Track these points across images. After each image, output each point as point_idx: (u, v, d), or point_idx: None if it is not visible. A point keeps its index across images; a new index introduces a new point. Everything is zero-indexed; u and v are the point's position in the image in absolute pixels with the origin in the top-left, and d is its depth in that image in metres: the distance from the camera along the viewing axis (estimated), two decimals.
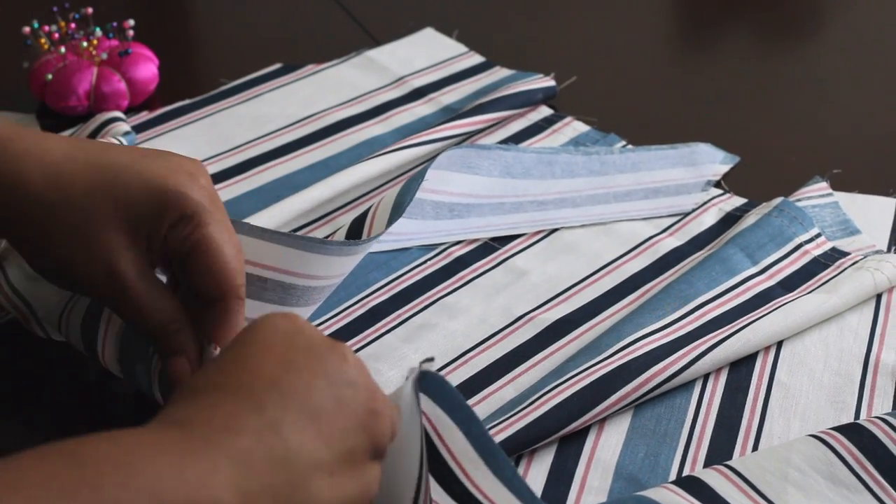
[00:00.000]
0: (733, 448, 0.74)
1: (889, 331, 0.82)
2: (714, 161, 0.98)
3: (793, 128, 1.06)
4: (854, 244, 0.89)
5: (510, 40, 1.18)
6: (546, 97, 1.06)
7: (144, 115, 1.05)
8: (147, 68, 1.05)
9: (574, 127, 1.03)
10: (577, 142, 1.01)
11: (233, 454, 0.50)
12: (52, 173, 0.67)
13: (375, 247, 0.88)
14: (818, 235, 0.89)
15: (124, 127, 0.99)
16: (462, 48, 1.15)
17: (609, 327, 0.81)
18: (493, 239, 0.91)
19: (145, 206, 0.66)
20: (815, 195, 0.93)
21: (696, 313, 0.81)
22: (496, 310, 0.84)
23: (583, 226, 0.92)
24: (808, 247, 0.88)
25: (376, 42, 1.16)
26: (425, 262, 0.88)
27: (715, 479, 0.67)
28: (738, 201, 0.95)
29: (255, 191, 0.96)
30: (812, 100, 1.10)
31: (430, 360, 0.60)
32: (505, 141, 1.01)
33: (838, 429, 0.70)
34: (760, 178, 0.97)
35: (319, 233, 0.90)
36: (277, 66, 1.12)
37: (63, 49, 1.03)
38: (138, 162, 0.68)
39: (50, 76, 1.02)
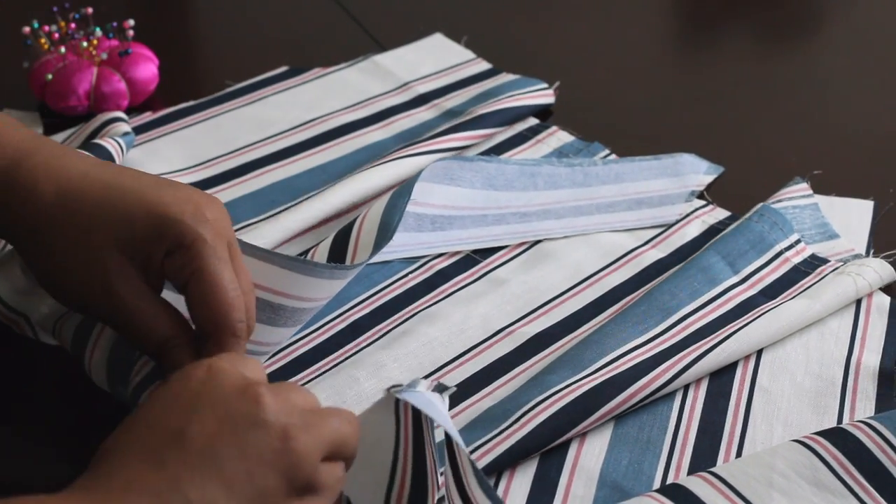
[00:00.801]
0: (717, 454, 0.74)
1: (870, 333, 0.83)
2: (698, 171, 0.97)
3: (793, 128, 1.05)
4: (834, 248, 0.89)
5: (518, 45, 1.18)
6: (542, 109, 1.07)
7: (147, 116, 1.05)
8: (147, 68, 1.05)
9: (558, 137, 1.02)
10: (560, 152, 1.01)
11: None
12: (63, 189, 0.68)
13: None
14: (798, 241, 0.89)
15: (124, 127, 0.99)
16: (469, 54, 1.15)
17: (592, 340, 0.80)
18: (475, 251, 0.90)
19: (143, 230, 0.67)
20: (796, 196, 0.92)
21: (680, 326, 0.82)
22: (475, 318, 0.84)
23: (565, 237, 0.91)
24: (788, 254, 0.88)
25: (382, 47, 1.16)
26: (406, 275, 0.88)
27: (699, 486, 0.68)
28: (721, 213, 0.94)
29: (251, 194, 0.96)
30: (812, 100, 1.10)
31: (398, 386, 0.62)
32: (489, 151, 1.00)
33: (823, 433, 0.70)
34: (760, 177, 0.97)
35: (304, 242, 0.89)
36: (284, 68, 1.12)
37: (63, 49, 1.03)
38: (148, 188, 0.69)
39: (50, 76, 1.02)
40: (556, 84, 1.08)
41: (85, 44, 1.03)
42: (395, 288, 0.87)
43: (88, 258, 0.67)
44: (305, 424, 0.57)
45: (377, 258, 0.88)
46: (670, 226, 0.93)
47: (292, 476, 0.56)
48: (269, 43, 1.18)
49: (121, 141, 0.97)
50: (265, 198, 0.95)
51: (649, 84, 1.13)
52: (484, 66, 1.13)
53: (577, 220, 0.93)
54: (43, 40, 1.04)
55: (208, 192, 0.93)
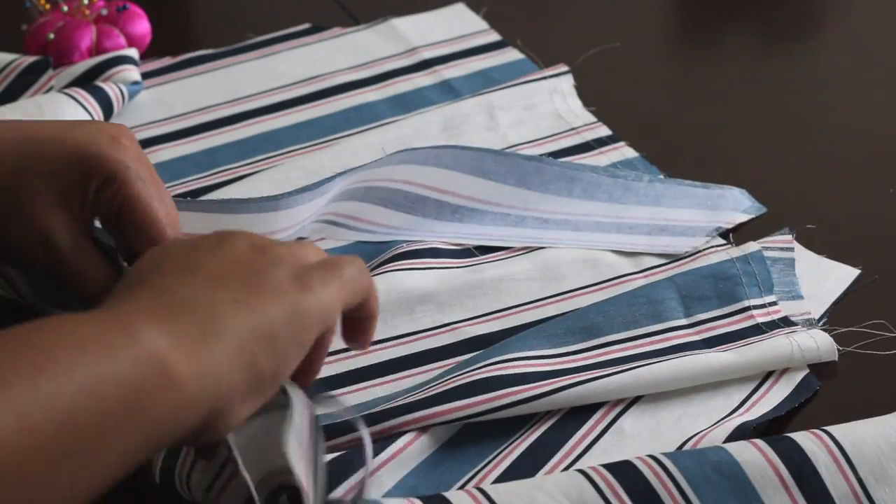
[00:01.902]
0: (528, 476, 0.69)
1: (763, 400, 0.74)
2: (738, 208, 0.90)
3: (794, 128, 1.03)
4: (792, 309, 0.80)
5: (536, 23, 1.17)
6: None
7: (167, 60, 1.10)
8: (141, 24, 1.09)
9: (622, 152, 0.97)
10: (616, 166, 0.95)
11: (153, 311, 0.55)
12: None
13: (363, 236, 0.89)
14: (773, 303, 0.80)
15: (133, 75, 1.03)
16: (483, 25, 1.14)
17: (497, 343, 0.77)
18: (477, 246, 0.88)
19: (70, 173, 0.69)
20: (775, 247, 0.85)
21: (599, 350, 0.76)
22: (430, 305, 0.83)
23: (570, 248, 0.87)
24: (755, 312, 0.79)
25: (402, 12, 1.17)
26: (403, 242, 0.87)
27: (460, 497, 0.64)
28: (735, 253, 0.85)
29: (236, 142, 1.00)
30: (814, 100, 1.08)
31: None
32: (549, 156, 0.96)
33: (605, 465, 0.66)
34: (761, 177, 0.96)
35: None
36: (306, 25, 1.14)
37: (66, 7, 1.07)
38: (61, 133, 0.70)
39: (52, 35, 1.05)
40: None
41: (86, 0, 1.08)
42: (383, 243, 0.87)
43: (24, 217, 0.68)
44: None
45: (386, 237, 0.88)
46: (676, 259, 0.86)
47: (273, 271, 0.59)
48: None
49: (124, 88, 1.01)
50: (248, 146, 0.99)
51: (647, 83, 1.10)
52: (494, 37, 1.12)
53: (594, 235, 0.88)
54: (43, 0, 1.08)
55: (197, 137, 1.01)
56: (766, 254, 0.84)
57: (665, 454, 0.66)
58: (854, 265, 0.86)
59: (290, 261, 0.61)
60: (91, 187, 0.69)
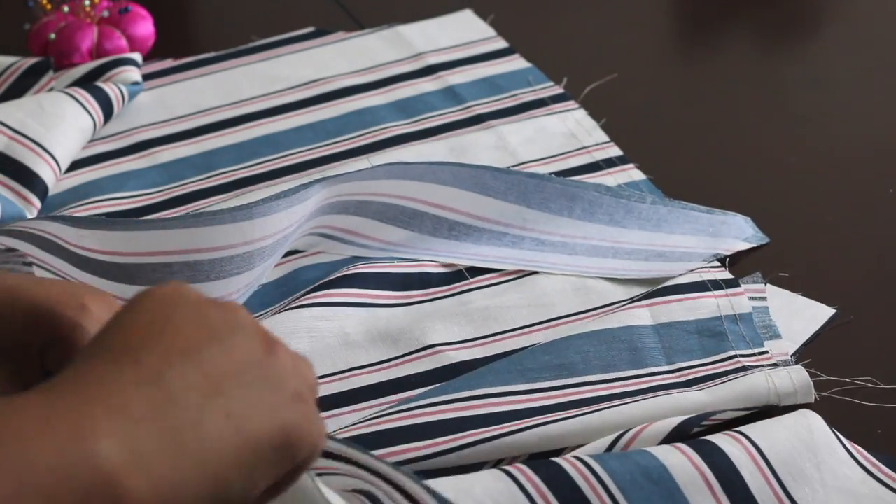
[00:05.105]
0: None
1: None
2: (739, 236, 0.89)
3: (794, 128, 1.04)
4: (770, 348, 0.79)
5: (542, 36, 1.17)
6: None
7: (169, 63, 1.10)
8: (145, 26, 1.09)
9: (629, 174, 0.96)
10: (620, 187, 0.94)
11: (109, 406, 0.48)
12: None
13: (359, 251, 0.88)
14: (763, 352, 0.78)
15: (133, 76, 1.03)
16: (490, 32, 1.13)
17: (477, 372, 0.76)
18: (469, 267, 0.87)
19: (16, 324, 0.65)
20: (751, 296, 0.83)
21: (571, 390, 0.75)
22: (415, 332, 0.82)
23: (564, 275, 0.86)
24: (743, 359, 0.78)
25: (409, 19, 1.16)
26: (394, 261, 0.87)
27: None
28: (726, 276, 0.85)
29: (236, 145, 1.01)
30: (813, 100, 1.08)
31: None
32: (556, 174, 0.95)
33: (526, 462, 0.66)
34: (761, 178, 0.97)
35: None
36: (310, 29, 1.14)
37: (66, 8, 1.07)
38: (28, 285, 0.66)
39: (53, 35, 1.06)
40: (564, 80, 1.06)
41: (87, 1, 1.08)
42: (372, 266, 0.86)
43: None
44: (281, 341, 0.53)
45: (381, 253, 0.88)
46: (667, 292, 0.84)
47: (276, 386, 0.51)
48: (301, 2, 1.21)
49: (124, 89, 1.01)
50: (248, 149, 1.00)
51: (646, 83, 1.10)
52: (501, 44, 1.11)
53: (590, 260, 0.87)
54: (45, 1, 1.09)
55: (197, 139, 1.02)
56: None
57: (592, 456, 0.66)
58: (858, 266, 0.87)
59: (295, 374, 0.53)
60: (35, 341, 0.65)
